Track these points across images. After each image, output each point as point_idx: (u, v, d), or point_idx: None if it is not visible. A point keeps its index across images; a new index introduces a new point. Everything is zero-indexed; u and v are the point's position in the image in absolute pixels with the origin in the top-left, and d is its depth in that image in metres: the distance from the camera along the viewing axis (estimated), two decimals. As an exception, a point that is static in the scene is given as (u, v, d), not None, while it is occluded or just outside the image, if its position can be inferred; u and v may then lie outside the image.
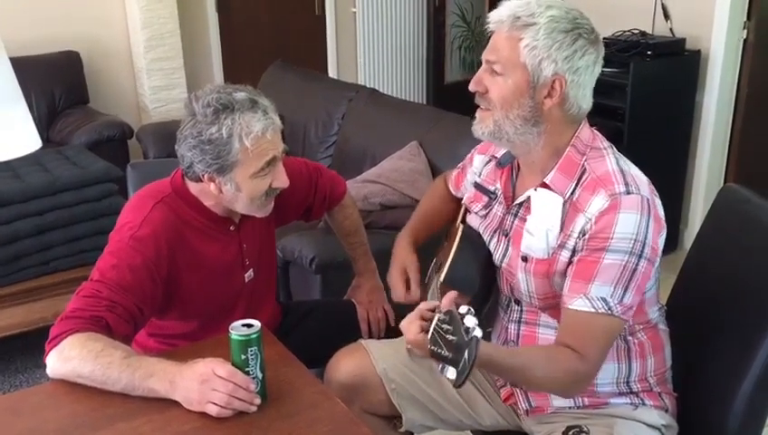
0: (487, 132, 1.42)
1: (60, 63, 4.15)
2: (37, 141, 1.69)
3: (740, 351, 1.41)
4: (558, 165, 1.41)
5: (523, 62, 1.34)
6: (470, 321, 1.15)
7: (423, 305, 1.29)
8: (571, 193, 1.39)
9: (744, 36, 3.53)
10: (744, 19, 3.51)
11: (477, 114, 1.43)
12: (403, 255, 1.70)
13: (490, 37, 1.40)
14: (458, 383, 1.15)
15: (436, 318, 1.19)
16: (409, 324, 1.26)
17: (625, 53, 3.44)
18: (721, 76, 3.54)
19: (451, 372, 1.15)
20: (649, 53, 3.44)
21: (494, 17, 1.38)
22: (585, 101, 1.40)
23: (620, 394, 1.48)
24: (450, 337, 1.15)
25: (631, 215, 1.32)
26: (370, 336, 1.92)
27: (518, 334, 1.54)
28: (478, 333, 1.14)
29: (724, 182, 3.67)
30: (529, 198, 1.45)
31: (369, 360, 1.63)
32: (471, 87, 1.42)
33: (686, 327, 1.56)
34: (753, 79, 3.55)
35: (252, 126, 1.48)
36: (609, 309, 1.32)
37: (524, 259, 1.45)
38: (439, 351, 1.16)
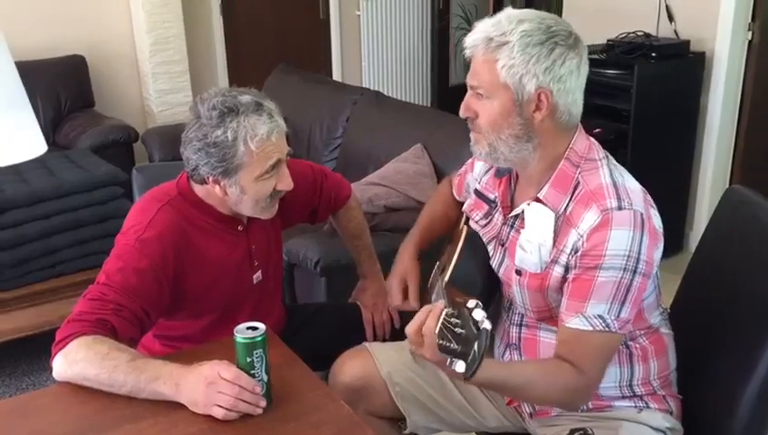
0: (484, 153, 1.42)
1: (65, 67, 4.17)
2: (43, 145, 1.70)
3: (745, 353, 1.41)
4: (552, 179, 1.39)
5: (504, 82, 1.33)
6: (478, 314, 1.15)
7: (427, 307, 1.28)
8: (565, 207, 1.38)
9: (749, 38, 3.52)
10: (749, 20, 3.50)
11: (471, 136, 1.43)
12: (404, 265, 1.70)
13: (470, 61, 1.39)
14: (468, 376, 1.15)
15: (444, 313, 1.18)
16: (414, 322, 1.26)
17: (629, 55, 3.43)
18: (726, 78, 3.53)
19: (460, 366, 1.15)
20: (654, 54, 3.43)
21: (469, 42, 1.37)
22: (575, 106, 1.38)
23: (624, 397, 1.48)
24: (459, 330, 1.15)
25: (623, 231, 1.30)
26: (375, 339, 1.93)
27: (519, 337, 1.54)
28: (487, 325, 1.14)
29: (729, 184, 3.66)
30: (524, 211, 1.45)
31: (373, 363, 1.63)
32: (461, 114, 1.41)
33: (690, 329, 1.56)
34: (757, 80, 3.55)
35: (257, 129, 1.48)
36: (607, 326, 1.32)
37: (518, 273, 1.45)
38: (448, 344, 1.15)
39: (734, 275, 1.53)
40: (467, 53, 1.38)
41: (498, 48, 1.32)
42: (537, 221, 1.41)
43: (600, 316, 1.32)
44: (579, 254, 1.34)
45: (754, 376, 1.38)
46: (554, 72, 1.32)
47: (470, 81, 1.38)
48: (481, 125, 1.39)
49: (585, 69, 1.37)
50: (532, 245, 1.41)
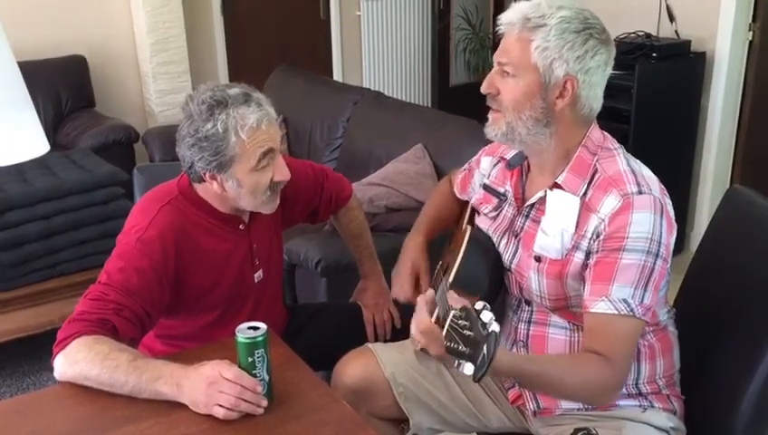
0: (500, 134, 1.42)
1: (66, 67, 4.16)
2: (45, 145, 1.70)
3: (747, 352, 1.41)
4: (569, 166, 1.41)
5: (534, 63, 1.34)
6: (486, 316, 1.14)
7: (425, 296, 1.27)
8: (584, 193, 1.39)
9: (750, 38, 3.52)
10: (750, 20, 3.50)
11: (490, 116, 1.44)
12: (415, 254, 1.69)
13: (499, 39, 1.41)
14: (477, 378, 1.14)
15: (451, 314, 1.18)
16: (418, 313, 1.24)
17: (630, 54, 3.43)
18: (726, 78, 3.53)
19: (468, 368, 1.13)
20: (655, 54, 3.44)
21: (505, 19, 1.39)
22: (596, 101, 1.41)
23: (629, 396, 1.47)
24: (467, 332, 1.14)
25: (645, 214, 1.32)
26: (376, 339, 1.92)
27: (527, 334, 1.54)
28: (496, 327, 1.13)
29: (730, 184, 3.66)
30: (541, 199, 1.45)
31: (376, 364, 1.63)
32: (483, 89, 1.42)
33: (692, 329, 1.56)
34: (758, 80, 3.54)
35: (246, 118, 1.49)
36: (632, 311, 1.32)
37: (537, 259, 1.45)
38: (456, 346, 1.14)
39: (735, 276, 1.53)
40: (501, 29, 1.40)
41: (535, 29, 1.34)
42: (560, 206, 1.41)
43: (624, 300, 1.32)
44: (601, 238, 1.35)
45: (756, 375, 1.38)
46: (584, 62, 1.34)
47: (499, 57, 1.40)
48: (503, 102, 1.40)
49: (610, 68, 1.40)
50: (555, 229, 1.42)
